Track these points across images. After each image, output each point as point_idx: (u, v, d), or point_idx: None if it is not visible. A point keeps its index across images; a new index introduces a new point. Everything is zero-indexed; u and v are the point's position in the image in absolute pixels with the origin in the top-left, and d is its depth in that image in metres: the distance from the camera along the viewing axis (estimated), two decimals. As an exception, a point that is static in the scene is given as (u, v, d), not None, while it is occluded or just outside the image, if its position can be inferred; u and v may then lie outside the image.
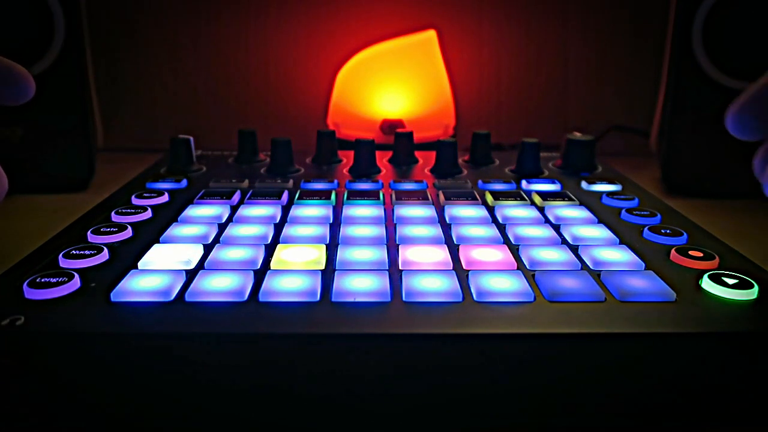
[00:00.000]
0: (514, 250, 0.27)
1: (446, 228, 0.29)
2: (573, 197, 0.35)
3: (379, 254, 0.25)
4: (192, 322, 0.20)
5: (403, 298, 0.22)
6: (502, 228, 0.30)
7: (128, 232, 0.28)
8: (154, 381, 0.20)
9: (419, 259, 0.25)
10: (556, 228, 0.30)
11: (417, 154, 0.45)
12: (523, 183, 0.38)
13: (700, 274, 0.24)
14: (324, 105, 0.63)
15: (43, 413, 0.20)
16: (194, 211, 0.32)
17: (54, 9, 0.44)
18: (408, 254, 0.25)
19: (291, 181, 0.38)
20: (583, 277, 0.23)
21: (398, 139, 0.44)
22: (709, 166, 0.47)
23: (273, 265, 0.25)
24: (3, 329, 0.19)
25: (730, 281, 0.23)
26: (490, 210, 0.32)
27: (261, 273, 0.24)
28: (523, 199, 0.35)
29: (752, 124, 0.24)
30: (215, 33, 0.64)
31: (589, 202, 0.34)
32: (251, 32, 0.64)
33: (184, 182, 0.38)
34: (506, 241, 0.28)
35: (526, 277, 0.23)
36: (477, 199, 0.34)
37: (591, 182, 0.38)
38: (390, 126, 0.56)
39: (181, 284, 0.23)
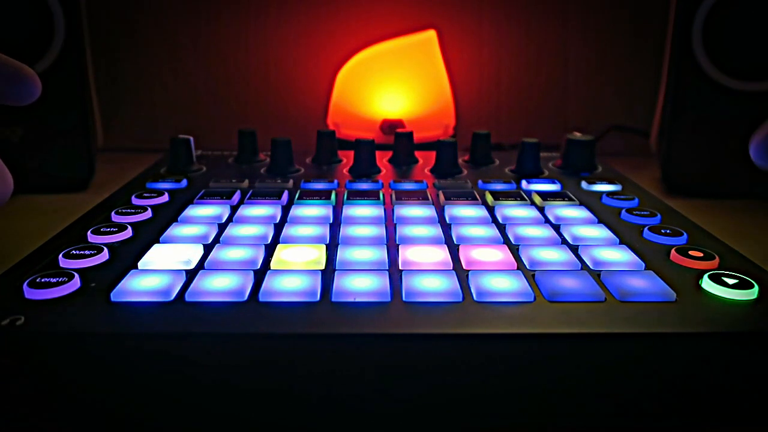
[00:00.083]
0: (514, 250, 0.27)
1: (446, 228, 0.29)
2: (573, 197, 0.35)
3: (379, 254, 0.25)
4: (192, 322, 0.20)
5: (403, 298, 0.22)
6: (502, 228, 0.30)
7: (128, 232, 0.28)
8: (154, 381, 0.20)
9: (419, 259, 0.25)
10: (556, 228, 0.30)
11: (417, 154, 0.45)
12: (523, 183, 0.38)
13: (700, 274, 0.24)
14: (324, 105, 0.63)
15: (43, 413, 0.20)
16: (194, 211, 0.32)
17: (54, 9, 0.44)
18: (408, 254, 0.25)
19: (291, 181, 0.38)
20: (583, 277, 0.23)
21: (398, 139, 0.44)
22: (709, 166, 0.47)
23: (273, 265, 0.25)
24: (3, 329, 0.19)
25: (730, 281, 0.23)
26: (490, 210, 0.32)
27: (261, 273, 0.24)
28: (523, 199, 0.35)
29: None
30: (215, 33, 0.64)
31: (589, 202, 0.34)
32: (251, 32, 0.64)
33: (184, 182, 0.38)
34: (506, 241, 0.28)
35: (526, 277, 0.23)
36: (477, 199, 0.34)
37: (591, 182, 0.38)
38: (390, 126, 0.56)
39: (181, 284, 0.23)
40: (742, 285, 0.23)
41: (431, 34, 0.59)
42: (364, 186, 0.37)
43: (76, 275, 0.23)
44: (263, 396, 0.20)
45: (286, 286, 0.22)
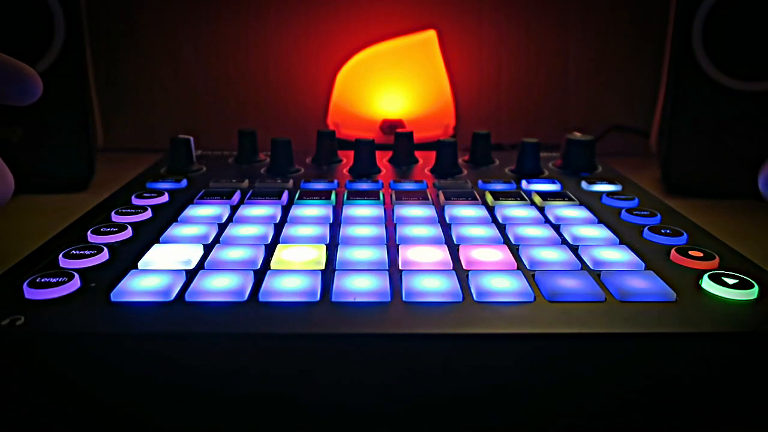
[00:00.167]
0: (514, 250, 0.27)
1: (446, 228, 0.29)
2: (573, 197, 0.35)
3: (379, 254, 0.25)
4: (192, 322, 0.20)
5: (403, 298, 0.22)
6: (502, 228, 0.30)
7: (128, 232, 0.28)
8: (154, 381, 0.20)
9: (419, 259, 0.25)
10: (556, 228, 0.30)
11: (417, 154, 0.45)
12: (523, 183, 0.38)
13: (700, 274, 0.24)
14: (324, 105, 0.63)
15: (43, 413, 0.20)
16: (194, 211, 0.32)
17: (54, 9, 0.44)
18: (408, 254, 0.25)
19: (291, 181, 0.38)
20: (583, 277, 0.23)
21: (398, 139, 0.44)
22: (709, 166, 0.47)
23: (273, 265, 0.25)
24: (3, 329, 0.19)
25: (730, 281, 0.23)
26: (490, 210, 0.32)
27: (261, 273, 0.24)
28: (523, 199, 0.35)
29: None
30: (215, 33, 0.64)
31: (589, 202, 0.34)
32: (251, 32, 0.64)
33: (184, 182, 0.38)
34: (506, 241, 0.28)
35: (526, 277, 0.23)
36: (477, 199, 0.34)
37: (591, 182, 0.38)
38: (390, 126, 0.56)
39: (181, 284, 0.23)
40: (742, 285, 0.23)
41: (431, 34, 0.59)
42: (364, 186, 0.37)
43: (76, 275, 0.23)
44: (263, 396, 0.20)
45: (286, 286, 0.22)
